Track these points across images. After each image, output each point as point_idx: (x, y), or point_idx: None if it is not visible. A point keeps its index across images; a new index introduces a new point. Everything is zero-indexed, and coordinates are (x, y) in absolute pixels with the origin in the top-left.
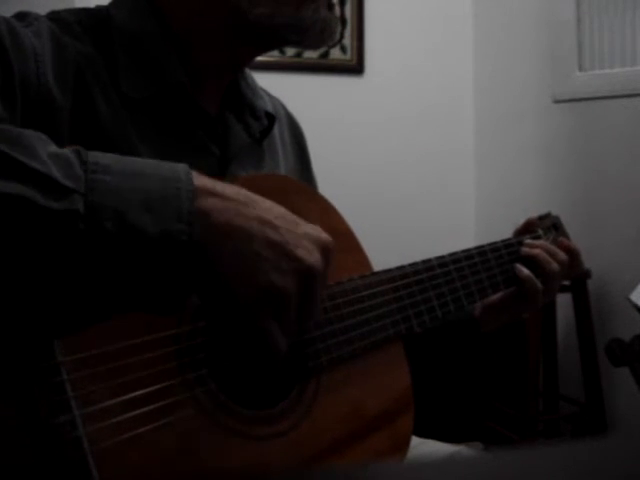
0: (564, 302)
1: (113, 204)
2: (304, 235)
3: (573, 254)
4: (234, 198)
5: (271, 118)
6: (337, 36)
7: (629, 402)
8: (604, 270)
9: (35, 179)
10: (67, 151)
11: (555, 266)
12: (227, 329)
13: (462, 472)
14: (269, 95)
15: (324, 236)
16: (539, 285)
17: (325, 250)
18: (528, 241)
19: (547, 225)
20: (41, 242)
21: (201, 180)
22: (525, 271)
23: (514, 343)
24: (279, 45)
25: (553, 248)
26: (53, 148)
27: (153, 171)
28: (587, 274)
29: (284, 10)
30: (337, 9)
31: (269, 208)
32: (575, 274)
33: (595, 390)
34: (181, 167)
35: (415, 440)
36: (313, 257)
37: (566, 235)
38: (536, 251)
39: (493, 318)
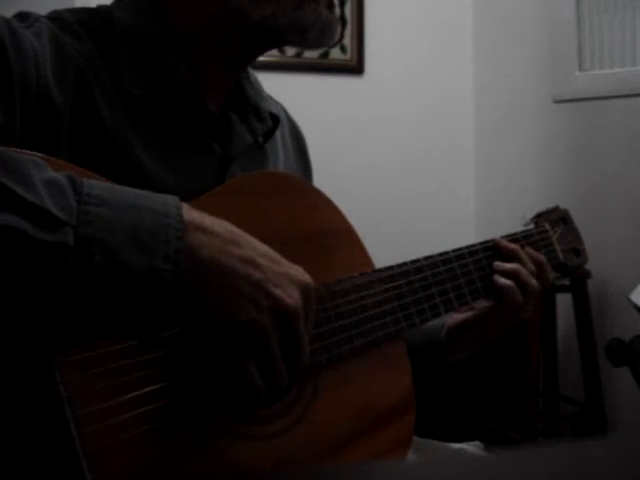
0: (564, 302)
1: (103, 238)
2: (285, 275)
3: (539, 264)
4: (221, 234)
5: (275, 119)
6: (337, 36)
7: (629, 402)
8: (604, 270)
9: (27, 210)
10: (61, 178)
11: (533, 282)
12: (205, 363)
13: (462, 472)
14: (272, 99)
15: (305, 277)
16: (519, 297)
17: (305, 291)
18: (499, 264)
19: (554, 219)
20: (29, 271)
21: (190, 214)
22: (503, 280)
23: (514, 343)
24: (280, 45)
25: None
26: (47, 174)
27: (144, 203)
28: (587, 274)
29: (285, 10)
30: (337, 9)
31: (253, 246)
32: (545, 285)
33: (595, 390)
34: (172, 200)
35: (415, 440)
36: (291, 297)
37: (575, 228)
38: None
39: (463, 338)
